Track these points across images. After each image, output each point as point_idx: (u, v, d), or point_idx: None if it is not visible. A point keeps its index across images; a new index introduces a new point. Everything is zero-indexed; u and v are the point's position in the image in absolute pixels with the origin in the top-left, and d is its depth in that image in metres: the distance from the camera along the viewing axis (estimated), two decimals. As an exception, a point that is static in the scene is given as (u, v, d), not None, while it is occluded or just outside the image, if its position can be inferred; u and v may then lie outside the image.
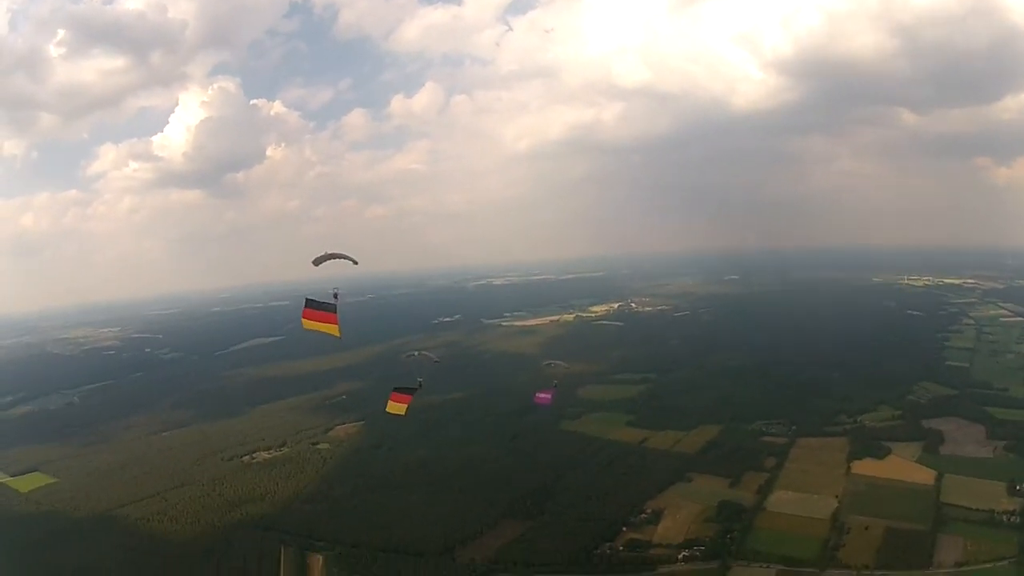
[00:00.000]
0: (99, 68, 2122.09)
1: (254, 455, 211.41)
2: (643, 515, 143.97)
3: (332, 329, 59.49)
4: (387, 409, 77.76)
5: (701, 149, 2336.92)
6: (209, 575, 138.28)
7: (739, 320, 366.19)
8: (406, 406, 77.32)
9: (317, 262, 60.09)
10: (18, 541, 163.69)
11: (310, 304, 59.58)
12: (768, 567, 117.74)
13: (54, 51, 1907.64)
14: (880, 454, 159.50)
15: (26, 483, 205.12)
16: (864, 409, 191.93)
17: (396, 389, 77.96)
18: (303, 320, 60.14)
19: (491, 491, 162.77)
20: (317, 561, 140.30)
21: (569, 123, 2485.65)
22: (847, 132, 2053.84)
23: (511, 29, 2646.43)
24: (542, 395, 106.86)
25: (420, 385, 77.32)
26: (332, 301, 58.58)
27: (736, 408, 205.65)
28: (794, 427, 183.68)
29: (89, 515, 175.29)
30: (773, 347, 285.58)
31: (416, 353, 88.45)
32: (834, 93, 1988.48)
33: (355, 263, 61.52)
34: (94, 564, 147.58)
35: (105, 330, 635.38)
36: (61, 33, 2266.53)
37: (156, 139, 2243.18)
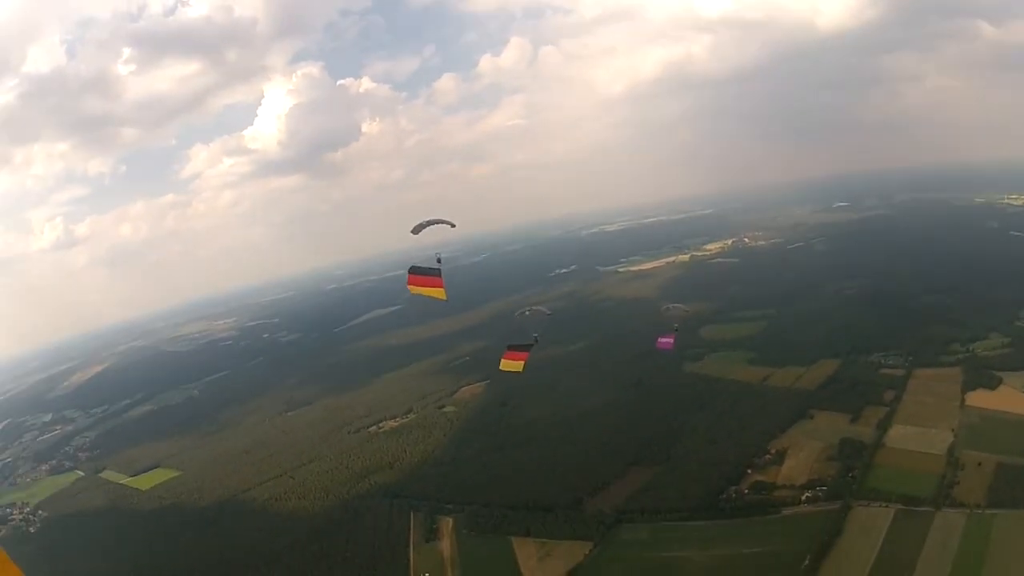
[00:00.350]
0: (173, 76, 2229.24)
1: (380, 425, 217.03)
2: (767, 456, 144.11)
3: (438, 293, 60.92)
4: (501, 367, 79.43)
5: (793, 75, 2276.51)
6: (339, 546, 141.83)
7: (851, 248, 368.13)
8: (523, 363, 78.20)
9: (416, 230, 62.09)
10: (141, 537, 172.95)
11: (414, 270, 61.32)
12: (888, 506, 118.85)
13: (123, 69, 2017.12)
14: (992, 384, 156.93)
15: (147, 480, 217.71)
16: (976, 337, 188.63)
17: (510, 347, 79.48)
18: (409, 286, 61.96)
19: (617, 440, 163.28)
20: (447, 524, 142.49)
21: (660, 61, 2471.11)
22: (932, 47, 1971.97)
23: None
24: (663, 340, 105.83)
25: (536, 340, 78.25)
26: (436, 266, 60.63)
27: (854, 339, 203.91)
28: (910, 358, 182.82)
29: (214, 502, 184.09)
30: (886, 273, 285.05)
31: (528, 311, 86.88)
32: (914, 6, 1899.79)
33: (452, 226, 62.83)
34: (220, 546, 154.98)
35: (220, 322, 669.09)
36: (126, 52, 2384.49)
37: (247, 133, 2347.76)
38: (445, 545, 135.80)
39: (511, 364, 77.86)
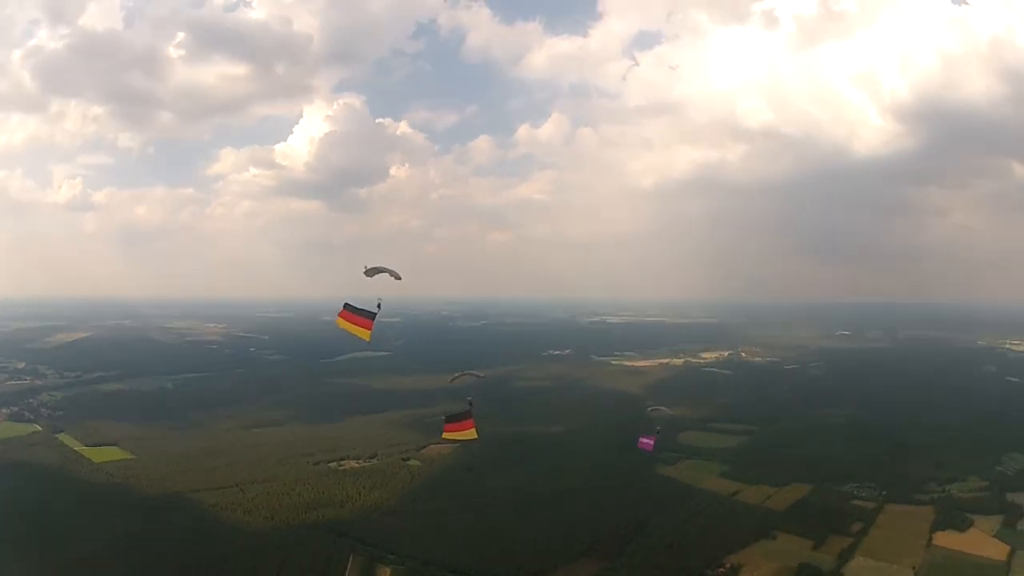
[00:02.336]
0: (221, 73, 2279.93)
1: (342, 462, 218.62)
2: (721, 569, 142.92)
3: (363, 334, 65.18)
4: (443, 436, 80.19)
5: (820, 195, 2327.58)
6: (271, 569, 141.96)
7: (846, 377, 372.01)
8: (472, 429, 77.27)
9: (369, 273, 65.68)
10: (78, 504, 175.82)
11: (349, 308, 65.65)
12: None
13: (173, 52, 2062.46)
14: (963, 526, 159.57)
15: (101, 454, 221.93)
16: (954, 478, 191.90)
17: (448, 417, 77.86)
18: (338, 319, 66.10)
19: (574, 527, 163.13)
20: (385, 573, 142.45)
21: (694, 162, 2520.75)
22: (962, 184, 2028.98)
23: (637, 64, 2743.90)
24: (645, 440, 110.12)
25: (471, 404, 77.91)
26: (373, 310, 64.54)
27: (832, 466, 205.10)
28: (884, 492, 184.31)
29: (160, 494, 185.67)
30: (875, 406, 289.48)
31: (457, 375, 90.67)
32: (949, 142, 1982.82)
33: (398, 279, 66.09)
34: (156, 537, 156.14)
35: (211, 325, 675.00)
36: (180, 36, 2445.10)
37: (279, 147, 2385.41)
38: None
39: (456, 434, 77.41)
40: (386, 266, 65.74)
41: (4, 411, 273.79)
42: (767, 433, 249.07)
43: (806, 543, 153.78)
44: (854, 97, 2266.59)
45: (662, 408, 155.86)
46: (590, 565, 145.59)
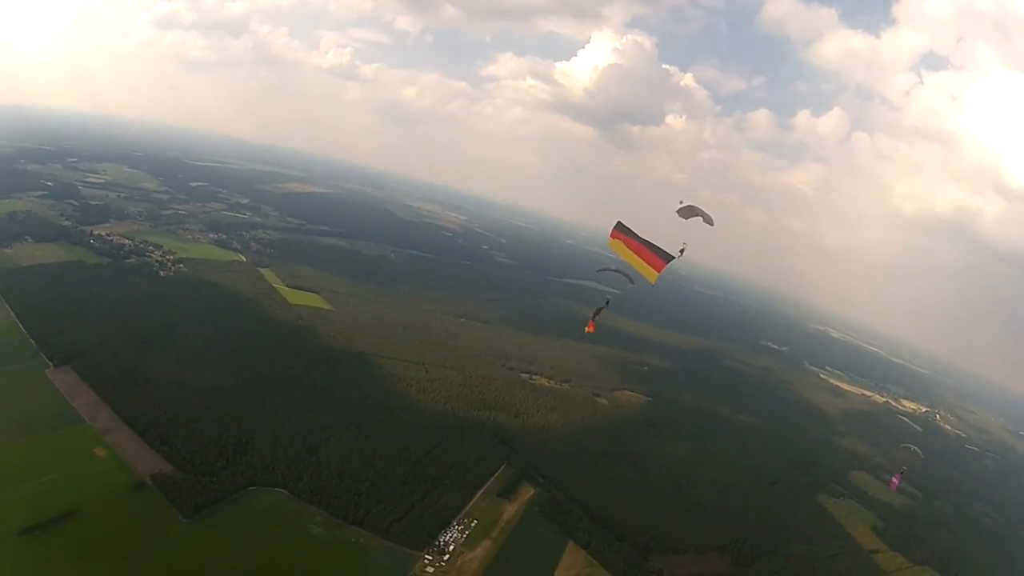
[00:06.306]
0: None
1: (534, 377, 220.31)
2: None
3: (647, 272, 58.51)
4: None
5: None
6: (421, 446, 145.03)
7: (1003, 482, 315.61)
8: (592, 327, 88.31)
9: (684, 213, 60.37)
10: (255, 333, 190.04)
11: (630, 233, 59.46)
12: None
13: None
14: None
15: (298, 297, 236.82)
16: None
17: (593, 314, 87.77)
18: (611, 240, 60.37)
19: (719, 520, 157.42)
20: (527, 493, 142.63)
21: (955, 202, 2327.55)
22: None
23: (922, 83, 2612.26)
24: (894, 479, 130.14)
25: (607, 304, 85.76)
26: (670, 252, 57.75)
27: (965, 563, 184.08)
28: None
29: (345, 350, 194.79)
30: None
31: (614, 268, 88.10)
32: None
33: (711, 224, 60.46)
34: (319, 388, 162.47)
35: (452, 214, 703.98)
36: None
37: (559, 66, 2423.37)
38: (510, 509, 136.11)
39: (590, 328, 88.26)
40: (702, 209, 59.77)
41: (211, 235, 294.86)
42: (927, 507, 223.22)
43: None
44: None
45: (915, 448, 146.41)
46: (719, 563, 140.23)
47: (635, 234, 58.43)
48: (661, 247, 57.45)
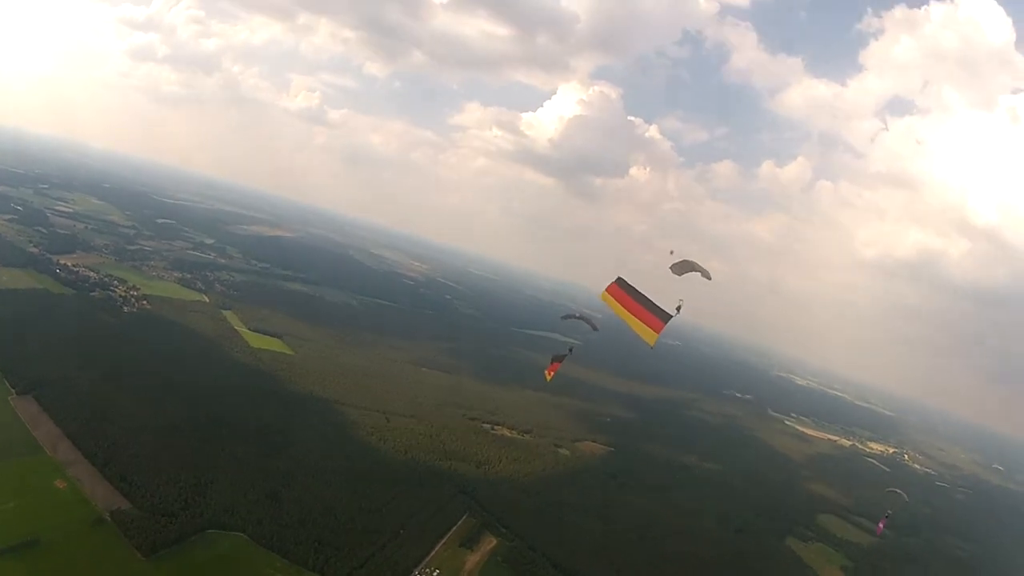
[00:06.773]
0: (482, 29, 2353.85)
1: (496, 427, 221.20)
2: None
3: (647, 334, 56.79)
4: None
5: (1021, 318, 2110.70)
6: (382, 495, 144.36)
7: (982, 512, 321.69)
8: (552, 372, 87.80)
9: (677, 269, 59.21)
10: (217, 373, 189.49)
11: (629, 289, 57.83)
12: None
13: None
14: None
15: (260, 341, 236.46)
16: None
17: (553, 359, 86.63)
18: (605, 294, 58.72)
19: (677, 571, 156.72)
20: (489, 543, 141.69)
21: (918, 245, 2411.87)
22: None
23: (886, 128, 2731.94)
24: (880, 524, 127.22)
25: (570, 351, 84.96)
26: (668, 311, 56.50)
27: None
28: None
29: (305, 394, 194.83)
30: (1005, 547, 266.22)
31: (578, 314, 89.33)
32: None
33: (708, 278, 59.36)
34: (277, 431, 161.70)
35: (415, 263, 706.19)
36: None
37: (525, 116, 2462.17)
38: (473, 559, 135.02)
39: (551, 372, 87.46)
40: (698, 264, 58.44)
41: (175, 274, 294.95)
42: (896, 543, 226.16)
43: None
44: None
45: (900, 492, 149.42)
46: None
47: (636, 291, 57.08)
48: (659, 306, 56.27)
